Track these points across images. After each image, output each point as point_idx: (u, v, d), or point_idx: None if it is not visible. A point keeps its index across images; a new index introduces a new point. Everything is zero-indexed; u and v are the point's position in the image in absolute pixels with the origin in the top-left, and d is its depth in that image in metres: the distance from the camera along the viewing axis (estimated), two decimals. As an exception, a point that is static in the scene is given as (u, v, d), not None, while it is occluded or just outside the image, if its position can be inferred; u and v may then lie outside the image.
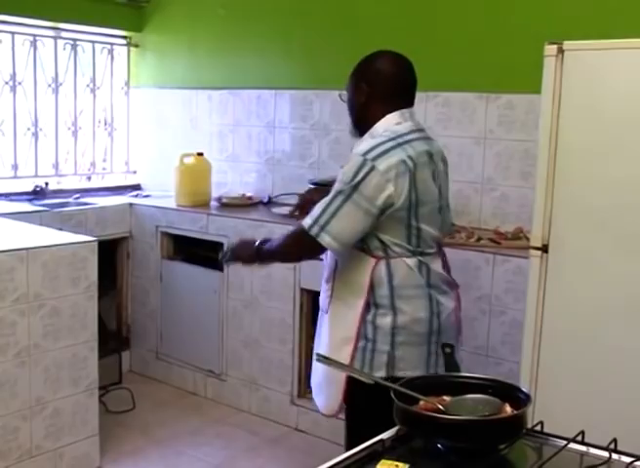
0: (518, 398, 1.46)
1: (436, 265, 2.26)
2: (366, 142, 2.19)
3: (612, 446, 1.42)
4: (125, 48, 4.86)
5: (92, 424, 3.21)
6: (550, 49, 2.42)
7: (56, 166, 4.57)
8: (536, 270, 2.55)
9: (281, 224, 3.68)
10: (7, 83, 4.25)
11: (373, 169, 2.09)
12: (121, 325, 4.46)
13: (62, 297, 3.01)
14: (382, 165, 2.09)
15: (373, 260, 2.19)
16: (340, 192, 2.12)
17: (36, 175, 4.44)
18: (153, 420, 3.79)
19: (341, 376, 2.20)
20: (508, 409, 1.43)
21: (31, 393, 2.96)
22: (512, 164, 3.44)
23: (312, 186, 2.82)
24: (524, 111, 3.36)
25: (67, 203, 4.31)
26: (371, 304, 2.19)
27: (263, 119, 4.30)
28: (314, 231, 2.12)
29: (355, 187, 2.09)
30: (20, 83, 4.30)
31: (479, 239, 3.21)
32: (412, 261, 2.19)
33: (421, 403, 1.46)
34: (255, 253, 2.34)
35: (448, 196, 2.38)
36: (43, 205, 4.09)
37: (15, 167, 4.35)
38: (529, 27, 3.29)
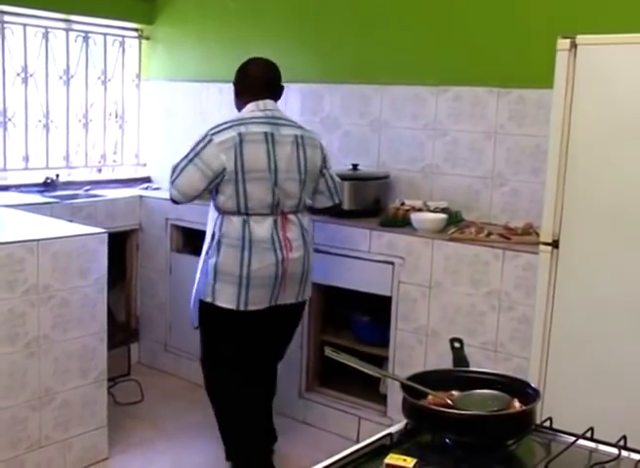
0: (527, 393, 1.46)
1: (260, 225, 2.89)
2: (216, 123, 2.93)
3: (621, 442, 1.41)
4: (136, 40, 4.86)
5: (100, 415, 3.23)
6: (563, 43, 2.41)
7: (66, 158, 4.58)
8: (546, 266, 2.55)
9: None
10: (18, 75, 4.26)
11: (210, 141, 2.84)
12: (130, 317, 4.48)
13: (72, 289, 3.02)
14: (218, 139, 2.83)
15: (217, 215, 2.95)
16: (186, 157, 2.87)
17: (47, 167, 4.46)
18: (161, 412, 3.81)
19: (196, 302, 3.05)
20: (517, 404, 1.43)
21: (40, 384, 2.97)
22: (523, 159, 3.42)
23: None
24: (535, 106, 3.34)
25: (78, 195, 4.33)
26: (209, 248, 2.96)
27: (274, 112, 4.29)
28: (168, 187, 2.96)
29: (197, 154, 2.84)
30: (31, 75, 4.31)
31: (489, 234, 3.20)
32: (237, 219, 2.88)
33: (430, 397, 1.46)
34: None
35: (302, 171, 2.96)
36: (53, 196, 4.10)
37: (26, 158, 4.36)
38: (540, 21, 3.27)
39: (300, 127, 3.05)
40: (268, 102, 3.00)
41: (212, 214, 3.01)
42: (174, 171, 2.91)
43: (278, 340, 3.21)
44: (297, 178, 2.96)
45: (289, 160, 2.93)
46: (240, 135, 2.83)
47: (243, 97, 3.03)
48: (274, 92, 3.06)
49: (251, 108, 2.97)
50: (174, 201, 2.98)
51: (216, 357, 3.10)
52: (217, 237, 2.94)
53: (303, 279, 3.05)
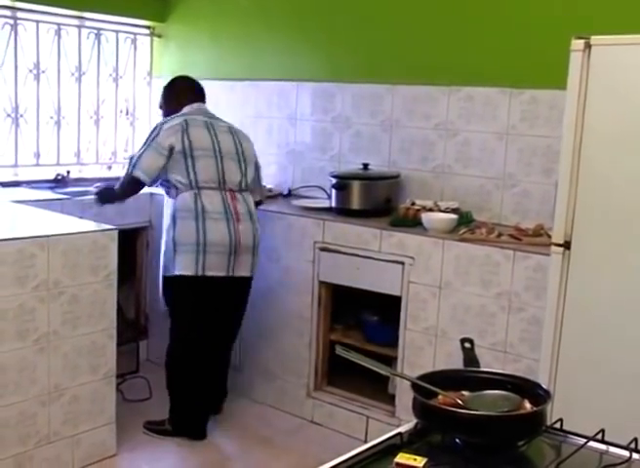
0: (537, 394, 1.45)
1: (211, 198, 3.29)
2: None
3: (632, 445, 1.40)
4: (148, 38, 4.87)
5: (109, 412, 3.23)
6: (577, 43, 2.39)
7: (77, 154, 4.59)
8: (557, 267, 2.53)
9: (301, 216, 3.68)
10: (31, 71, 4.27)
11: (161, 129, 3.32)
12: (139, 314, 4.48)
13: (82, 285, 3.03)
14: (166, 126, 3.33)
15: (170, 198, 3.35)
16: (142, 146, 3.33)
17: (58, 164, 4.47)
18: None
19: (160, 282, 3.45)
20: (528, 405, 1.42)
21: (50, 379, 2.98)
22: (534, 160, 3.41)
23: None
24: (547, 107, 3.33)
25: (88, 191, 4.33)
26: (167, 226, 3.34)
27: (285, 111, 4.30)
28: (130, 170, 3.33)
29: (152, 140, 3.30)
30: (43, 71, 4.32)
31: (499, 235, 3.19)
32: (189, 193, 3.28)
33: (440, 397, 1.45)
34: (111, 196, 3.54)
35: (240, 154, 3.44)
36: (64, 193, 4.10)
37: (37, 155, 4.37)
38: (553, 22, 3.26)
39: (232, 125, 3.56)
40: (201, 104, 3.54)
41: (166, 203, 3.41)
42: (132, 158, 3.35)
43: (232, 315, 3.54)
44: (236, 159, 3.41)
45: (228, 143, 3.41)
46: (186, 121, 3.33)
47: (174, 109, 3.48)
48: (202, 98, 3.57)
49: (188, 110, 3.47)
50: (138, 184, 3.34)
51: (183, 331, 3.39)
52: (172, 213, 3.31)
53: (254, 252, 3.42)
